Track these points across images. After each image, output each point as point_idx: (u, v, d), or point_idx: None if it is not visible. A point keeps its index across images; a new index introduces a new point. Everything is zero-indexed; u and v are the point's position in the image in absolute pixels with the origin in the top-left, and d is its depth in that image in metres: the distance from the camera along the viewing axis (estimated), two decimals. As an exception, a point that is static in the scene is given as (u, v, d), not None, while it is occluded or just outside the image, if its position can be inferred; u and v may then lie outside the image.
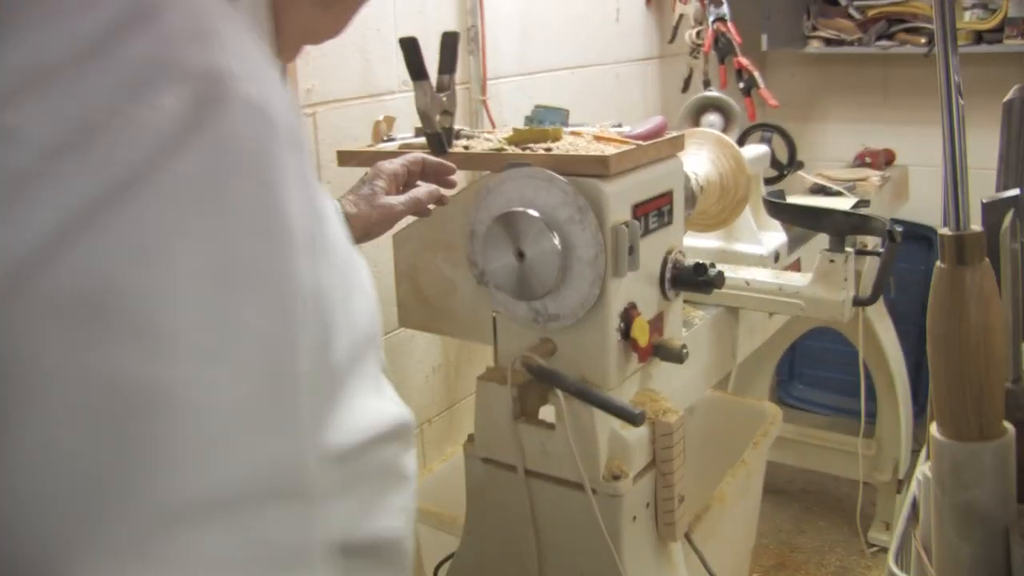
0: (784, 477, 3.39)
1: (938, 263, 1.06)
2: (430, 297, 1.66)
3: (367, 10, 1.85)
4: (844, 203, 2.66)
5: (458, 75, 2.16)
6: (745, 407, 2.47)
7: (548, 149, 1.44)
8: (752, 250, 2.05)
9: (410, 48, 1.44)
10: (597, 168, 1.37)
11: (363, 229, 1.38)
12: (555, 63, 2.57)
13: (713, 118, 2.92)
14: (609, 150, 1.42)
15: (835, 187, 2.84)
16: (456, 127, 1.69)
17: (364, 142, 1.74)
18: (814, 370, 3.93)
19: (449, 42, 1.50)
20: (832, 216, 1.74)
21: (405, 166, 1.44)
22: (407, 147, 1.60)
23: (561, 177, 1.37)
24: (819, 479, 3.37)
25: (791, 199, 2.65)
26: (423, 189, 1.45)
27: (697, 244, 2.08)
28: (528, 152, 1.45)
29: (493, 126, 2.22)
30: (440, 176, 1.46)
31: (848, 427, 3.17)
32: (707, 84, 2.94)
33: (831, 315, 1.76)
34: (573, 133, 1.55)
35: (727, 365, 1.94)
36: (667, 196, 1.55)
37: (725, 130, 2.91)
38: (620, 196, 1.40)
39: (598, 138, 1.50)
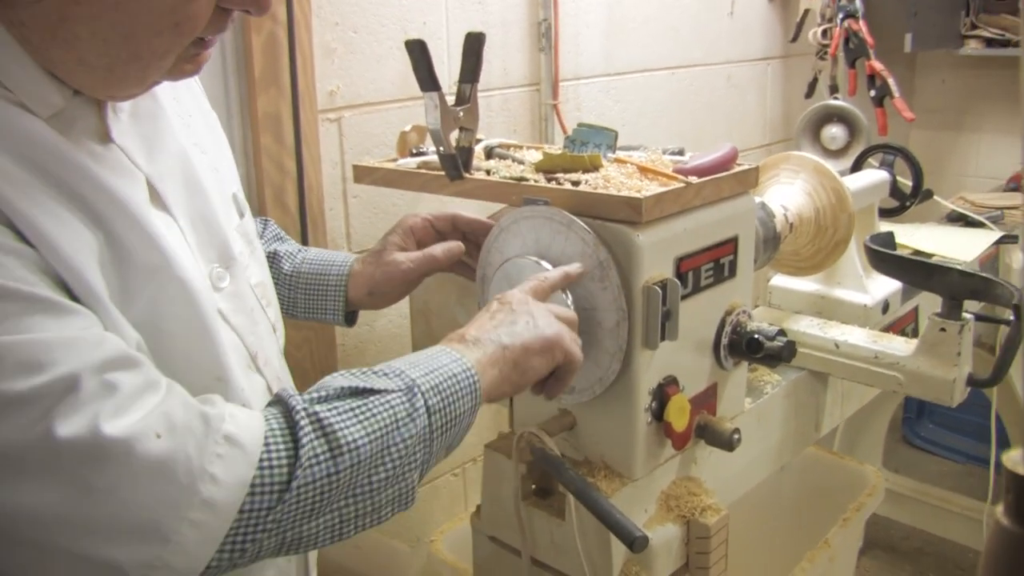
0: (899, 533, 3.02)
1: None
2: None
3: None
4: (985, 238, 2.28)
5: (527, 75, 1.94)
6: (845, 469, 2.14)
7: (577, 183, 1.18)
8: (855, 298, 1.72)
9: (417, 52, 1.20)
10: (627, 213, 1.10)
11: (367, 287, 1.27)
12: (651, 62, 2.28)
13: (836, 131, 2.57)
14: (651, 188, 1.14)
15: (977, 216, 2.44)
16: (494, 140, 1.45)
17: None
18: (947, 408, 3.51)
19: (473, 46, 1.25)
20: (946, 275, 1.40)
21: (428, 221, 1.29)
22: (428, 165, 1.36)
23: (581, 222, 1.11)
24: (939, 540, 2.98)
25: (917, 230, 2.29)
26: (441, 246, 1.26)
27: (789, 286, 1.77)
28: (552, 185, 1.18)
29: (565, 135, 1.96)
30: (479, 236, 1.24)
31: (980, 481, 2.77)
32: (834, 90, 2.60)
33: (937, 395, 1.43)
34: (617, 160, 1.27)
35: (806, 439, 1.63)
36: (729, 244, 1.26)
37: (849, 146, 2.56)
38: (657, 247, 1.13)
39: (644, 170, 1.22)
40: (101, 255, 0.80)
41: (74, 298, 0.76)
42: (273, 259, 1.31)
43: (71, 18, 0.76)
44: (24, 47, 0.78)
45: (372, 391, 0.86)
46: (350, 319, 1.32)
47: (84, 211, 0.79)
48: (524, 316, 1.00)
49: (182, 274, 0.86)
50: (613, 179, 1.17)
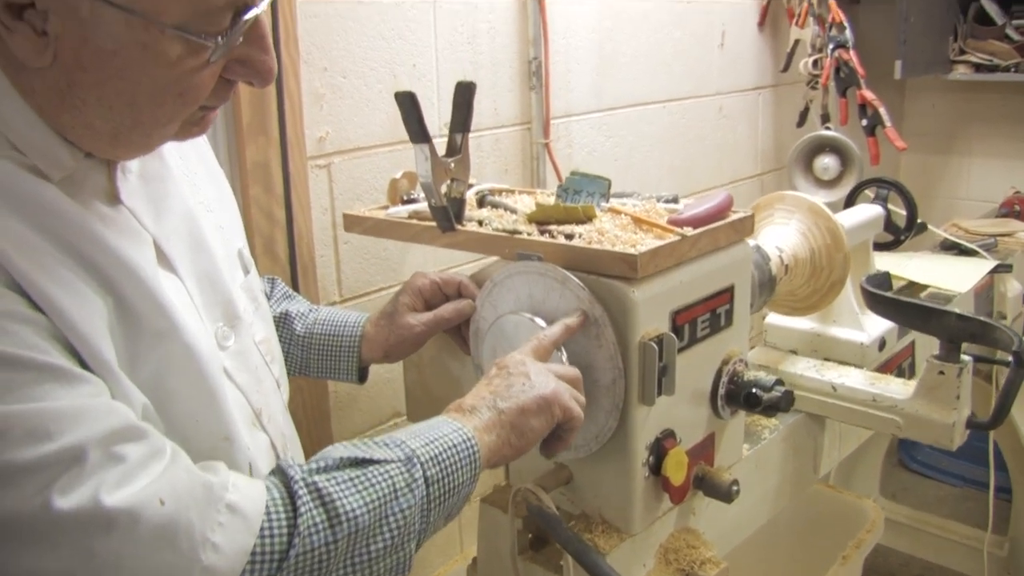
0: (897, 560, 3.00)
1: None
2: (437, 393, 1.40)
3: (398, 42, 1.64)
4: (979, 267, 2.26)
5: (518, 114, 1.92)
6: (843, 504, 2.12)
7: (570, 236, 1.16)
8: (852, 336, 1.71)
9: (408, 104, 1.19)
10: (622, 268, 1.09)
11: (382, 350, 1.30)
12: (642, 96, 2.27)
13: (828, 161, 2.56)
14: (646, 241, 1.12)
15: (970, 244, 2.42)
16: (485, 186, 1.43)
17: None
18: (943, 432, 3.50)
19: (464, 95, 1.24)
20: (944, 319, 1.39)
21: (436, 284, 1.30)
22: (419, 214, 1.34)
23: (575, 278, 1.09)
24: (938, 568, 2.96)
25: (910, 260, 2.28)
26: (450, 306, 1.28)
27: (784, 324, 1.75)
28: (546, 239, 1.17)
29: (557, 173, 1.95)
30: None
31: (978, 505, 2.75)
32: (825, 119, 2.59)
33: (936, 439, 1.42)
34: (612, 210, 1.26)
35: (805, 482, 1.61)
36: (726, 293, 1.25)
37: (841, 176, 2.56)
38: (653, 303, 1.11)
39: (638, 221, 1.21)
40: (110, 320, 0.81)
41: (83, 364, 0.77)
42: (285, 320, 1.32)
43: (78, 84, 0.77)
44: (38, 113, 0.80)
45: (371, 461, 0.86)
46: (362, 376, 1.33)
47: (94, 276, 0.80)
48: (520, 378, 1.00)
49: (188, 339, 0.87)
50: (608, 232, 1.16)
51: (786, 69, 2.70)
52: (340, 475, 0.84)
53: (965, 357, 1.40)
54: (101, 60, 0.76)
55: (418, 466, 0.88)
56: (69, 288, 0.77)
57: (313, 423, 1.58)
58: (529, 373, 1.01)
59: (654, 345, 1.09)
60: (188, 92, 0.81)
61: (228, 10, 0.79)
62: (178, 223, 0.95)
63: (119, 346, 0.81)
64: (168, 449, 0.78)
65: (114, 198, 0.88)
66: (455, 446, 0.91)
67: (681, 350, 1.16)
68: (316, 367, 1.32)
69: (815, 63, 2.55)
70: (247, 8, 0.80)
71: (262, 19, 0.83)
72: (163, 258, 0.91)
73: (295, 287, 1.52)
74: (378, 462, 0.86)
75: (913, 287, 2.18)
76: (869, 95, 2.48)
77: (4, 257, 0.73)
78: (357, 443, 0.89)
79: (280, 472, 0.85)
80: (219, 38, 0.79)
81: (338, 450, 0.88)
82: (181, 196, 0.98)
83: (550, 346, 1.08)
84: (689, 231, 1.16)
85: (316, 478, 0.83)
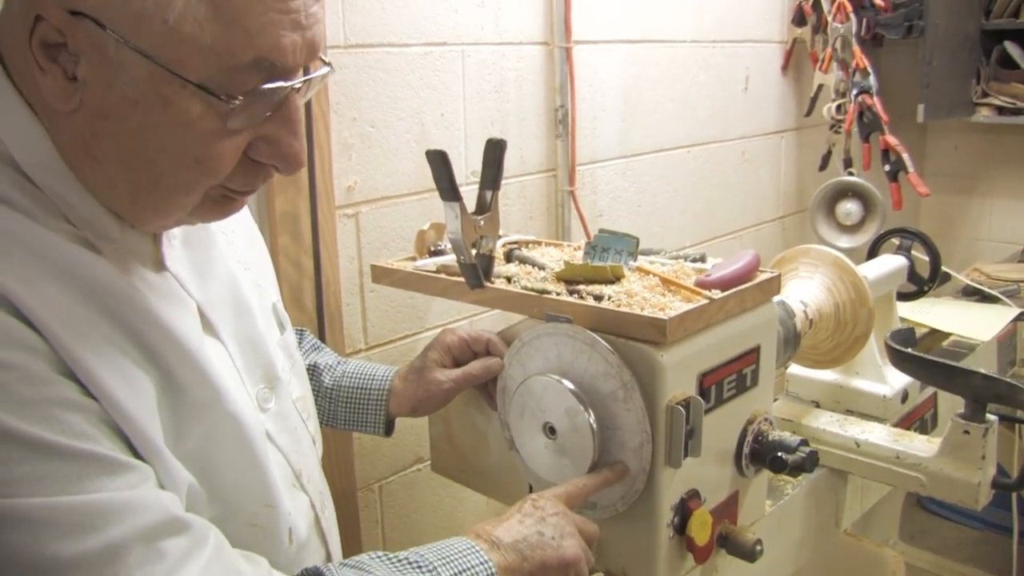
0: (916, 606, 2.97)
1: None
2: (462, 447, 1.41)
3: (427, 91, 1.66)
4: (1002, 314, 2.26)
5: (543, 162, 1.94)
6: (863, 552, 2.10)
7: (599, 298, 1.17)
8: (874, 389, 1.71)
9: (439, 162, 1.20)
10: (651, 333, 1.09)
11: (410, 405, 1.31)
12: (666, 142, 2.28)
13: (851, 206, 2.57)
14: (674, 304, 1.13)
15: (993, 291, 2.42)
16: (513, 238, 1.45)
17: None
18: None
19: (494, 153, 1.25)
20: (970, 379, 1.39)
21: (465, 341, 1.31)
22: (447, 268, 1.36)
23: (604, 342, 1.10)
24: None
25: (932, 306, 2.28)
26: (479, 364, 1.28)
27: (806, 375, 1.76)
28: (575, 300, 1.18)
29: (582, 220, 1.96)
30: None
31: (999, 550, 2.73)
32: (848, 164, 2.60)
33: (961, 498, 1.41)
34: (640, 270, 1.27)
35: (827, 537, 1.61)
36: (752, 354, 1.25)
37: (864, 221, 2.56)
38: (681, 366, 1.12)
39: (666, 282, 1.22)
40: (157, 395, 0.82)
41: (131, 447, 0.78)
42: (313, 372, 1.34)
43: (100, 134, 0.78)
44: (68, 166, 0.80)
45: None
46: (388, 429, 1.34)
47: (141, 348, 0.81)
48: (551, 528, 1.03)
49: (233, 408, 0.89)
50: (636, 294, 1.17)
51: (809, 113, 2.71)
52: None
53: (991, 416, 1.40)
54: (123, 109, 0.75)
55: None
56: (118, 369, 0.78)
57: (337, 469, 1.59)
58: (561, 527, 1.04)
59: (681, 409, 1.10)
60: (207, 160, 0.79)
61: (254, 72, 0.76)
62: (221, 288, 0.96)
63: (165, 420, 0.82)
64: (210, 539, 0.80)
65: (159, 265, 0.89)
66: None
67: (707, 411, 1.16)
68: (343, 419, 1.33)
69: (838, 108, 2.56)
70: (275, 76, 0.78)
71: (295, 100, 0.82)
72: (207, 324, 0.92)
73: (321, 335, 1.53)
74: None
75: (935, 335, 2.18)
76: (892, 140, 2.48)
77: (57, 341, 0.74)
78: (392, 560, 0.91)
79: None
80: (238, 99, 0.76)
81: (375, 566, 0.90)
82: (223, 259, 0.99)
83: (583, 497, 1.11)
84: (717, 294, 1.17)
85: None
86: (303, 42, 0.78)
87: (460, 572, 0.92)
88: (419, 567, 0.90)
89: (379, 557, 0.91)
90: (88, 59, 0.74)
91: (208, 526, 0.81)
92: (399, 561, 0.90)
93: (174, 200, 0.82)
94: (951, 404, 1.89)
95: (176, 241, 0.93)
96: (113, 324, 0.80)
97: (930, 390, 1.85)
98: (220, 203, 0.86)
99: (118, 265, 0.83)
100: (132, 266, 0.85)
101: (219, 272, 0.97)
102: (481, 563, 0.95)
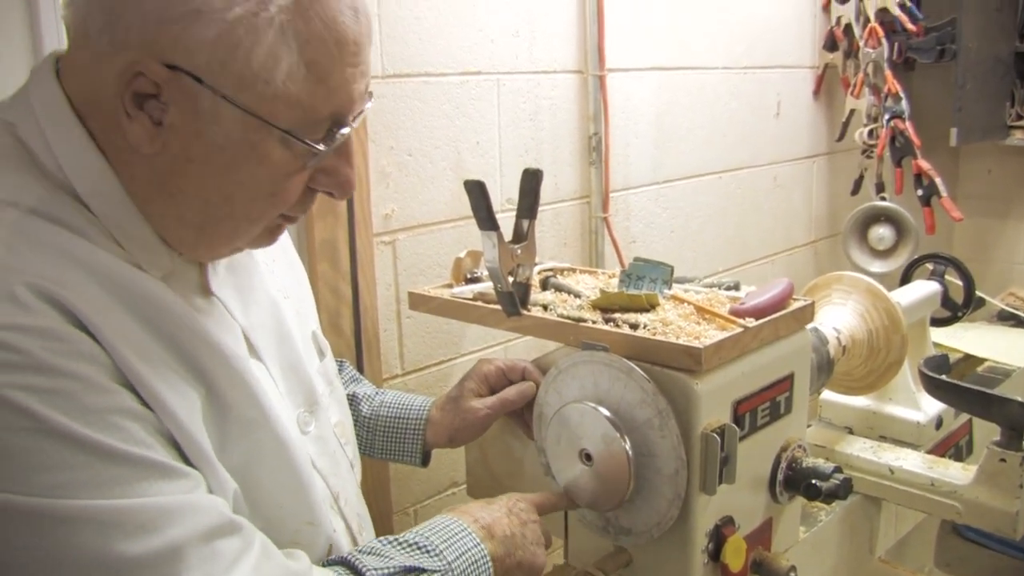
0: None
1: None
2: (498, 473, 1.42)
3: (463, 119, 1.69)
4: (1036, 341, 2.25)
5: (577, 188, 1.96)
6: (896, 579, 2.10)
7: (635, 326, 1.19)
8: (908, 415, 1.71)
9: (477, 193, 1.22)
10: (687, 361, 1.11)
11: (447, 435, 1.33)
12: (699, 168, 2.30)
13: (883, 231, 2.57)
14: (709, 333, 1.15)
15: (1028, 315, 2.41)
16: (548, 265, 1.47)
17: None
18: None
19: (531, 183, 1.27)
20: (1006, 407, 1.39)
21: (501, 370, 1.33)
22: (484, 296, 1.38)
23: (640, 370, 1.11)
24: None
25: (967, 331, 2.27)
26: (513, 389, 1.31)
27: (839, 400, 1.76)
28: (611, 328, 1.19)
29: (616, 247, 1.98)
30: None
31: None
32: (880, 189, 2.60)
33: (997, 527, 1.41)
34: (674, 298, 1.29)
35: (861, 564, 1.61)
36: (786, 381, 1.26)
37: (897, 246, 2.56)
38: (716, 394, 1.13)
39: (701, 310, 1.23)
40: (203, 410, 0.86)
41: (183, 455, 0.82)
42: (351, 401, 1.36)
43: (180, 174, 0.83)
44: (132, 198, 0.85)
45: (422, 570, 0.95)
46: (425, 459, 1.36)
47: (190, 367, 0.85)
48: (530, 533, 1.11)
49: (278, 429, 0.93)
50: (671, 322, 1.18)
51: (841, 138, 2.71)
52: None
53: (1028, 444, 1.40)
54: (210, 154, 0.82)
55: None
56: (171, 383, 0.82)
57: (373, 493, 1.61)
58: (537, 535, 1.11)
59: (716, 436, 1.11)
60: (279, 194, 0.87)
61: (327, 122, 0.85)
62: (263, 313, 1.00)
63: (211, 434, 0.86)
64: (257, 541, 0.83)
65: (206, 291, 0.93)
66: (477, 562, 1.01)
67: (741, 439, 1.17)
68: (380, 448, 1.35)
69: (870, 133, 2.57)
70: (343, 123, 0.86)
71: (351, 135, 0.89)
72: (251, 347, 0.96)
73: (359, 361, 1.56)
74: (427, 572, 0.95)
75: (970, 360, 2.17)
76: (925, 165, 2.49)
77: (116, 353, 0.77)
78: (404, 545, 0.97)
79: (354, 569, 0.92)
80: (319, 145, 0.85)
81: (391, 552, 0.95)
82: (265, 286, 1.03)
83: (551, 511, 1.19)
84: (751, 322, 1.19)
85: None
86: (364, 87, 0.87)
87: (461, 554, 1.00)
88: (427, 551, 0.97)
89: (389, 542, 0.97)
90: (179, 108, 0.79)
91: (254, 528, 0.85)
92: (408, 545, 0.97)
93: (244, 230, 0.89)
94: (987, 431, 1.88)
95: (220, 268, 0.97)
96: (162, 341, 0.83)
97: (965, 416, 1.84)
98: (273, 231, 0.93)
99: (169, 289, 0.87)
100: (182, 291, 0.89)
101: (261, 299, 1.01)
102: (475, 546, 1.02)
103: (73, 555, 0.72)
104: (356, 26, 0.84)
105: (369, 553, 0.94)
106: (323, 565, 0.94)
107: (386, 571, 0.92)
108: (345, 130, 0.87)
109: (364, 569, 0.91)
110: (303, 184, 0.88)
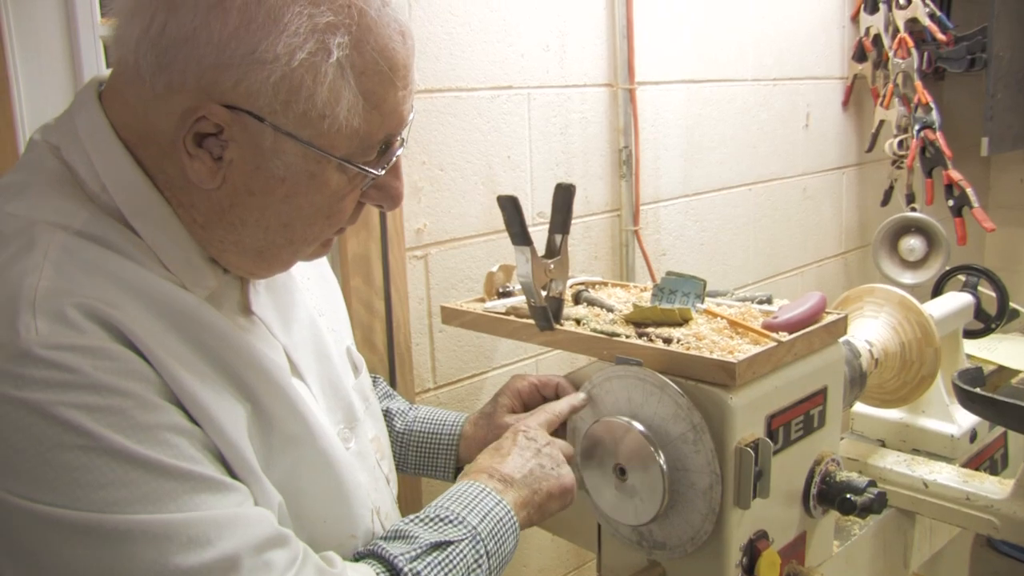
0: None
1: None
2: (531, 486, 1.43)
3: (494, 134, 1.70)
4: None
5: (608, 202, 1.97)
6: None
7: (668, 340, 1.19)
8: (942, 428, 1.70)
9: (510, 208, 1.24)
10: (721, 376, 1.11)
11: (480, 450, 1.30)
12: (728, 180, 2.30)
13: (914, 242, 2.56)
14: (743, 347, 1.15)
15: (1062, 327, 2.39)
16: (580, 279, 1.48)
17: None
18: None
19: (564, 198, 1.28)
20: (1041, 419, 1.39)
21: (535, 386, 1.34)
22: (516, 310, 1.39)
23: (674, 385, 1.12)
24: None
25: (1000, 343, 2.26)
26: (564, 402, 1.28)
27: (872, 413, 1.75)
28: (644, 343, 1.20)
29: (646, 260, 1.98)
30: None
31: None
32: (911, 199, 2.59)
33: (1033, 541, 1.40)
34: (707, 312, 1.29)
35: (896, 578, 1.60)
36: (819, 395, 1.26)
37: (928, 257, 2.55)
38: (750, 409, 1.13)
39: (734, 324, 1.23)
40: (248, 426, 0.87)
41: (230, 470, 0.84)
42: (385, 416, 1.37)
43: (241, 205, 0.86)
44: (189, 229, 0.87)
45: (449, 543, 0.95)
46: (458, 475, 1.36)
47: (234, 384, 0.87)
48: (547, 459, 1.11)
49: (323, 444, 0.94)
50: (705, 337, 1.19)
51: (871, 149, 2.71)
52: (431, 559, 0.93)
53: (1064, 458, 1.39)
54: (270, 186, 0.84)
55: (481, 544, 0.97)
56: (217, 399, 0.83)
57: (406, 507, 1.62)
58: (555, 456, 1.12)
59: (750, 450, 1.11)
60: (336, 215, 0.90)
61: (380, 144, 0.88)
62: (303, 332, 1.02)
63: (257, 450, 0.87)
64: (301, 551, 0.85)
65: (247, 310, 0.95)
66: (501, 520, 1.01)
67: (775, 453, 1.17)
68: (413, 464, 1.36)
69: (900, 143, 2.56)
70: (394, 142, 0.90)
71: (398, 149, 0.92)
72: (292, 365, 0.98)
73: (392, 375, 1.57)
74: (454, 543, 0.96)
75: (1004, 372, 2.16)
76: (956, 175, 2.47)
77: (165, 371, 0.79)
78: (427, 522, 0.97)
79: (382, 560, 0.93)
80: (375, 169, 0.88)
81: (417, 531, 0.96)
82: (304, 305, 1.05)
83: (559, 422, 1.21)
84: (784, 336, 1.19)
85: (415, 565, 0.92)
86: (411, 104, 0.90)
87: (484, 516, 1.00)
88: (451, 522, 0.97)
89: (412, 521, 0.98)
90: (240, 145, 0.82)
91: (298, 540, 0.86)
92: (431, 521, 0.97)
93: (302, 251, 0.93)
94: (1022, 443, 1.87)
95: (260, 286, 0.98)
96: (207, 359, 0.85)
97: (999, 429, 1.83)
98: (326, 244, 0.96)
99: (213, 308, 0.88)
100: (225, 310, 0.91)
101: (300, 317, 1.03)
102: (497, 503, 1.02)
103: (131, 569, 0.73)
104: (404, 50, 0.86)
105: (395, 538, 0.95)
106: (353, 559, 0.95)
107: (415, 553, 0.93)
108: (399, 150, 0.91)
109: (392, 557, 0.92)
110: (355, 201, 0.92)
